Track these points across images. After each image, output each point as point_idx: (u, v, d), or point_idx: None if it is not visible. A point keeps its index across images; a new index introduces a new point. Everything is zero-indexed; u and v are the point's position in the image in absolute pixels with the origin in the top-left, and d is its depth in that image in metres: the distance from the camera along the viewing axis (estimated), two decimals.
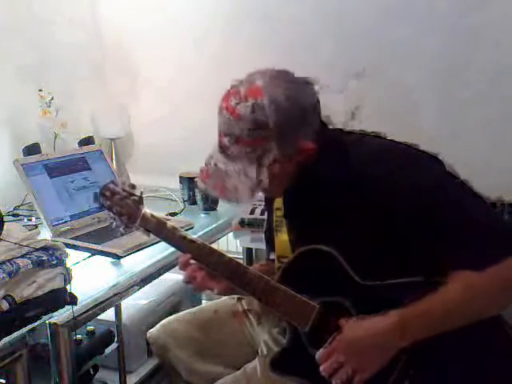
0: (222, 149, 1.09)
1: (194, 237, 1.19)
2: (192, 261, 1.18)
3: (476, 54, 1.89)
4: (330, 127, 1.17)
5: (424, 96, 1.99)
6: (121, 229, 1.23)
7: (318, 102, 1.11)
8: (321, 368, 1.05)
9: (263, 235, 1.41)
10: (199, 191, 1.93)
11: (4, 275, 1.07)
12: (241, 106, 1.04)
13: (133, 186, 1.23)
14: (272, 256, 1.34)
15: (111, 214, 1.23)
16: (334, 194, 1.10)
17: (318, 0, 2.07)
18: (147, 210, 1.22)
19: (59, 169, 1.77)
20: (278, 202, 1.26)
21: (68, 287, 1.22)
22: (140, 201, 1.21)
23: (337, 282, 1.11)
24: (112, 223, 1.26)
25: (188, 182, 2.01)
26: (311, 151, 1.09)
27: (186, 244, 1.17)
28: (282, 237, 1.24)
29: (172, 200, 2.05)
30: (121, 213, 1.21)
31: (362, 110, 2.04)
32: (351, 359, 1.03)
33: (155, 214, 1.22)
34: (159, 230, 1.20)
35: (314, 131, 1.09)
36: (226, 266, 1.15)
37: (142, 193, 1.23)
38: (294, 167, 1.10)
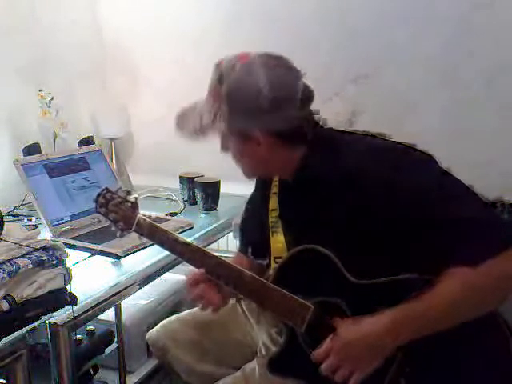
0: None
1: (188, 240, 1.20)
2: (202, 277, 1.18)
3: (476, 55, 1.89)
4: (325, 127, 1.18)
5: (423, 97, 1.99)
6: (117, 234, 1.24)
7: (308, 99, 1.11)
8: (321, 367, 1.05)
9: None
10: (199, 190, 1.93)
11: (4, 275, 1.07)
12: (224, 59, 1.10)
13: (128, 192, 1.24)
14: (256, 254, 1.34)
15: (107, 220, 1.24)
16: (327, 193, 1.10)
17: (318, 1, 2.07)
18: (142, 214, 1.22)
19: (59, 169, 1.77)
20: (273, 204, 1.26)
21: (68, 287, 1.22)
22: (135, 207, 1.22)
23: (331, 282, 1.11)
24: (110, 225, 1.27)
25: (188, 182, 2.01)
26: (262, 144, 1.10)
27: (180, 247, 1.18)
28: (278, 238, 1.24)
29: (172, 200, 2.05)
30: (116, 219, 1.22)
31: (361, 114, 2.03)
32: (347, 361, 1.04)
33: (153, 215, 1.22)
34: (153, 234, 1.20)
35: (276, 127, 1.09)
36: (221, 268, 1.15)
37: (136, 199, 1.24)
38: (260, 154, 1.11)
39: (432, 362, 1.06)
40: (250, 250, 1.36)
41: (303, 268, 1.13)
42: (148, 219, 1.21)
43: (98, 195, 1.24)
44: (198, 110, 1.12)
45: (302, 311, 1.11)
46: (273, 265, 1.27)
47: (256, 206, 1.35)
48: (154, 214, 1.22)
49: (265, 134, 1.09)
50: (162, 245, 1.20)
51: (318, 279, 1.12)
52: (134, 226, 1.20)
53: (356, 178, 1.06)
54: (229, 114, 1.08)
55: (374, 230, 1.06)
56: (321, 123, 1.17)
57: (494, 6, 1.85)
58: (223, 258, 1.16)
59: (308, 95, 1.10)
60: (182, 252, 1.17)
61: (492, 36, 1.86)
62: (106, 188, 1.25)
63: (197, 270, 1.18)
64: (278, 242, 1.24)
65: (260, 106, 1.05)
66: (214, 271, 1.15)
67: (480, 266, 0.98)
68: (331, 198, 1.10)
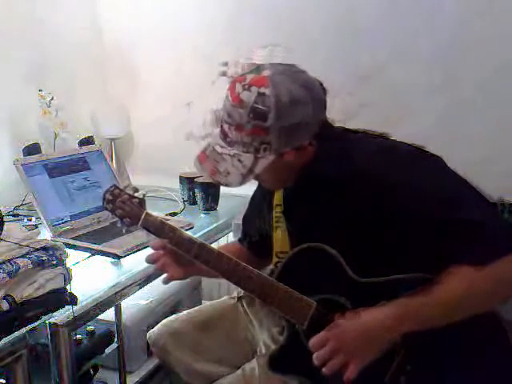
0: (223, 134, 1.10)
1: (195, 236, 1.20)
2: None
3: (476, 55, 1.89)
4: (334, 125, 1.18)
5: (423, 97, 1.99)
6: (123, 230, 1.25)
7: (325, 100, 1.10)
8: (314, 356, 1.04)
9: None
10: (199, 190, 1.93)
11: (4, 275, 1.07)
12: (244, 93, 1.04)
13: (135, 190, 1.25)
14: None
15: (114, 216, 1.25)
16: (333, 192, 1.10)
17: (319, 1, 2.07)
18: (149, 211, 1.23)
19: (59, 169, 1.77)
20: (278, 199, 1.26)
21: (68, 287, 1.22)
22: (142, 203, 1.22)
23: (334, 280, 1.11)
24: (117, 221, 1.27)
25: (188, 182, 2.01)
26: (310, 150, 1.09)
27: (186, 244, 1.18)
28: (281, 234, 1.25)
29: (172, 200, 2.05)
30: (123, 215, 1.22)
31: (360, 114, 2.03)
32: (342, 350, 1.02)
33: (156, 214, 1.22)
34: (160, 231, 1.20)
35: (316, 129, 1.08)
36: (226, 264, 1.15)
37: (144, 195, 1.24)
38: (293, 163, 1.10)
39: (432, 361, 1.06)
40: (247, 241, 1.40)
41: (307, 265, 1.13)
42: (155, 215, 1.21)
43: (106, 191, 1.24)
44: (231, 160, 1.08)
45: (305, 308, 1.11)
46: (274, 259, 1.27)
47: (257, 201, 1.37)
48: (154, 214, 1.22)
49: (311, 138, 1.08)
50: (168, 241, 1.20)
51: (321, 277, 1.12)
52: (140, 222, 1.20)
53: (363, 179, 1.06)
54: (284, 139, 1.05)
55: (379, 230, 1.06)
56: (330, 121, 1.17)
57: (494, 8, 1.85)
58: (227, 255, 1.17)
59: (325, 90, 1.11)
60: (188, 248, 1.18)
61: (492, 37, 1.86)
62: (115, 185, 1.26)
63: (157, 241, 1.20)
64: (281, 238, 1.24)
65: (306, 117, 1.04)
66: (219, 267, 1.16)
67: (486, 268, 0.99)
68: (337, 197, 1.10)
